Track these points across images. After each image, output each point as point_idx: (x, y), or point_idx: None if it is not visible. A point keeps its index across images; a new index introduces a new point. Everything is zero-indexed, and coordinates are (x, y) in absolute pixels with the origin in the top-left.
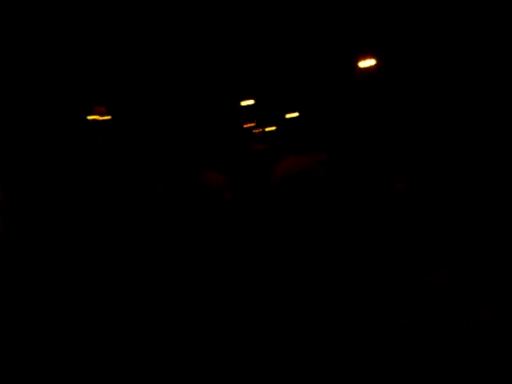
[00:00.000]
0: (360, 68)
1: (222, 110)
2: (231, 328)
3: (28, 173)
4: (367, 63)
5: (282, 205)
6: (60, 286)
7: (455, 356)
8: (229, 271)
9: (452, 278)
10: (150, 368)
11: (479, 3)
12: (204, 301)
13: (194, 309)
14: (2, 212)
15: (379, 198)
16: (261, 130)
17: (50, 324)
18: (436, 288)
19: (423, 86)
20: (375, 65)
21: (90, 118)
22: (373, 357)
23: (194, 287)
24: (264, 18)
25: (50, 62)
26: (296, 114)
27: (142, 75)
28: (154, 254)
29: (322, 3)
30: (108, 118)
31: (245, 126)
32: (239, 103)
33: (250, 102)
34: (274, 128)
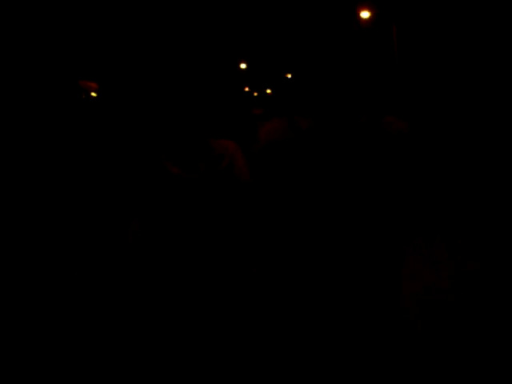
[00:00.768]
0: (358, 21)
1: (222, 74)
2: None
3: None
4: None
5: (265, 177)
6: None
7: None
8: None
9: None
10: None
11: None
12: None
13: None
14: None
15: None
16: (257, 94)
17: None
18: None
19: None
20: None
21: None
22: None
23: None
24: None
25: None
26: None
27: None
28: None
29: None
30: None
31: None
32: (238, 66)
33: (244, 65)
34: (269, 91)
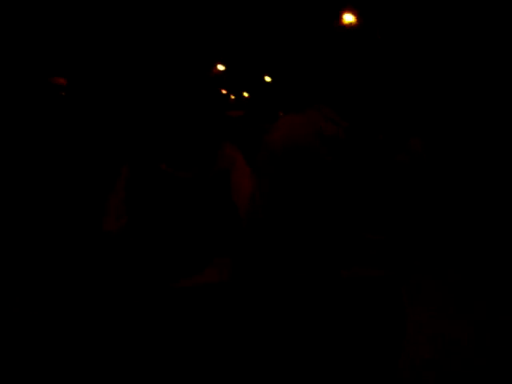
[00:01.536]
0: (341, 24)
1: (194, 78)
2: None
3: None
4: (348, 19)
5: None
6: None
7: None
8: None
9: None
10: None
11: None
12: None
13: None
14: None
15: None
16: (234, 97)
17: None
18: None
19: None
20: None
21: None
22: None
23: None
24: None
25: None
26: (269, 79)
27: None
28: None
29: None
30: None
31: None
32: (212, 69)
33: (222, 67)
34: (247, 95)
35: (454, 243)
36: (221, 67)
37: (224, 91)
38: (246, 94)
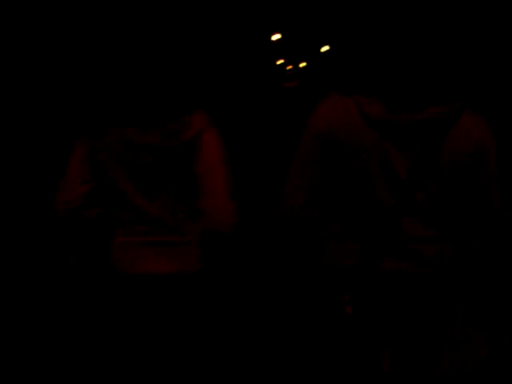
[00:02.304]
0: None
1: (250, 46)
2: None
3: None
4: None
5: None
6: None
7: None
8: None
9: None
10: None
11: None
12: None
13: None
14: None
15: None
16: (292, 66)
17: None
18: None
19: None
20: None
21: None
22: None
23: None
24: None
25: None
26: (327, 48)
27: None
28: None
29: None
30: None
31: (276, 62)
32: (269, 37)
33: (278, 36)
34: (305, 64)
35: None
36: (277, 36)
37: (280, 61)
38: (302, 64)
